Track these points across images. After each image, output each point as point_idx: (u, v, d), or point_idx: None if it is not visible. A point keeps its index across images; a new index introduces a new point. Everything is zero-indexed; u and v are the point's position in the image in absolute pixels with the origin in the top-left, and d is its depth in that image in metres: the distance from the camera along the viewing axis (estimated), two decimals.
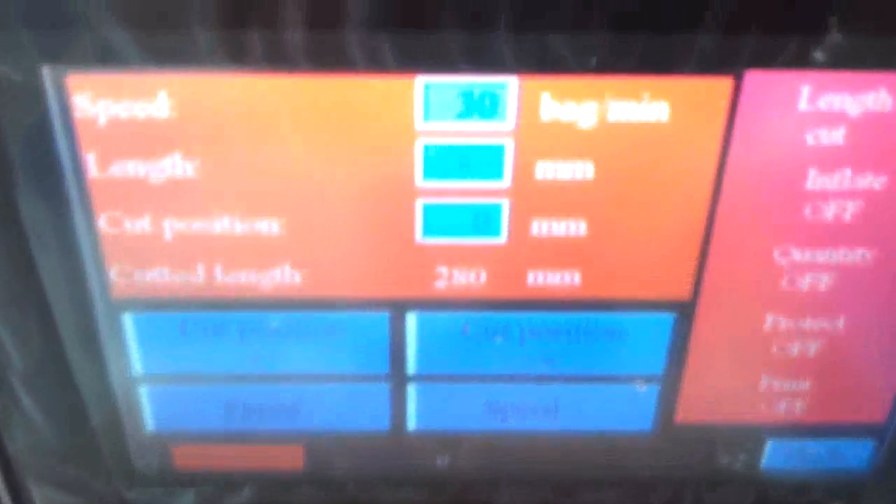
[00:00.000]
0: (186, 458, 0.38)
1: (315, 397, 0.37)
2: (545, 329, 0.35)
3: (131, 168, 0.31)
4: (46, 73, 0.29)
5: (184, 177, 0.31)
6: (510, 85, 0.29)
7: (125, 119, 0.30)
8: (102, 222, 0.32)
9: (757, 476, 0.39)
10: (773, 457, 0.39)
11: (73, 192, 0.31)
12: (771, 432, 0.38)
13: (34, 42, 0.28)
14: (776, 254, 0.33)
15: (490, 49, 0.28)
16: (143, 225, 0.32)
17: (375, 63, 0.28)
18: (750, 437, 0.38)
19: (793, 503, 0.39)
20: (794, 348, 0.35)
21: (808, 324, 0.35)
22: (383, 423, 0.37)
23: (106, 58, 0.28)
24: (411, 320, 0.34)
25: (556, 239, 0.32)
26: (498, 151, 0.30)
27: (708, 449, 0.38)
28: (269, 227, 0.32)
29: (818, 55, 0.28)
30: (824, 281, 0.33)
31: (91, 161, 0.31)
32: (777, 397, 0.37)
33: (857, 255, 0.33)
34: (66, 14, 0.27)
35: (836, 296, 0.34)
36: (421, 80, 0.29)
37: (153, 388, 0.36)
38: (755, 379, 0.36)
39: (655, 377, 0.36)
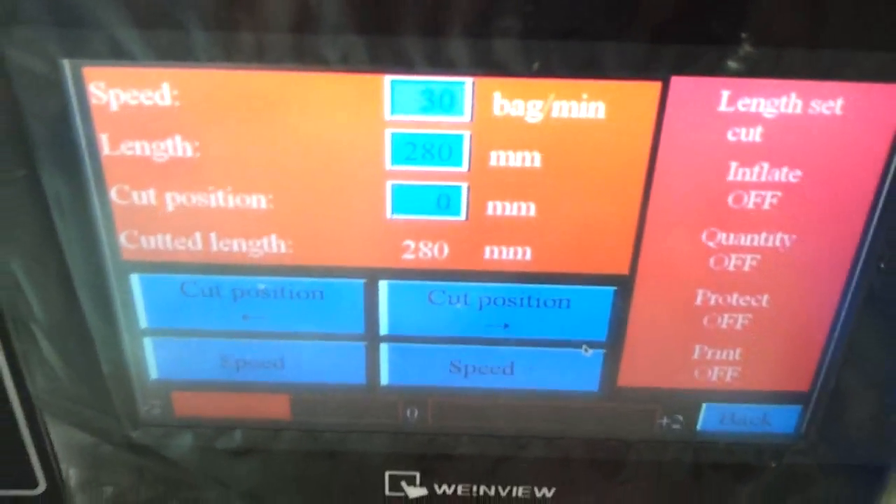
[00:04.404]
0: (185, 404, 0.43)
1: (299, 353, 0.41)
2: (501, 298, 0.39)
3: (139, 147, 0.36)
4: (66, 65, 0.33)
5: (184, 156, 0.36)
6: (466, 84, 0.34)
7: (133, 105, 0.35)
8: (113, 194, 0.37)
9: (693, 437, 0.43)
10: (708, 420, 0.43)
11: (88, 168, 0.36)
12: (706, 397, 0.42)
13: (56, 39, 0.33)
14: (704, 236, 0.37)
15: (448, 53, 0.32)
16: (148, 197, 0.37)
17: (349, 63, 0.33)
18: (687, 401, 0.42)
19: (726, 462, 0.44)
20: (724, 321, 0.40)
21: (736, 300, 0.39)
22: (360, 377, 0.42)
23: (117, 53, 0.33)
24: (383, 287, 0.39)
25: (509, 218, 0.37)
26: (457, 141, 0.35)
27: (649, 410, 0.43)
28: (258, 201, 0.37)
29: (733, 64, 0.32)
30: (748, 262, 0.38)
31: (104, 141, 0.35)
32: (710, 365, 0.41)
33: (777, 240, 0.37)
34: (83, 14, 0.32)
35: (759, 275, 0.38)
36: (388, 79, 0.33)
37: (156, 340, 0.41)
38: (689, 348, 0.40)
39: (599, 343, 0.40)
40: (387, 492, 0.45)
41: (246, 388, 0.42)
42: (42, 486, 0.47)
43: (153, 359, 0.42)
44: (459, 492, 0.45)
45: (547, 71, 0.33)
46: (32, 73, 0.33)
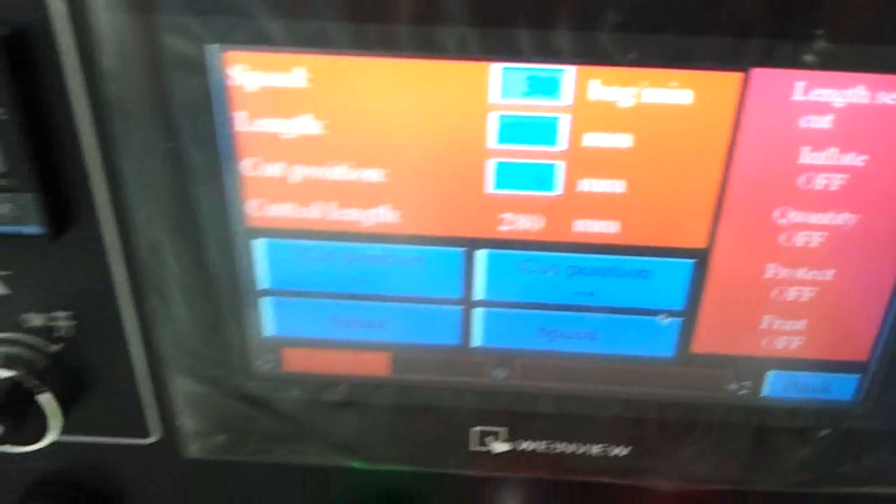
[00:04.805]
0: (294, 359, 0.48)
1: (401, 315, 0.46)
2: (588, 268, 0.43)
3: (270, 125, 0.40)
4: (211, 50, 0.38)
5: (310, 133, 0.40)
6: (568, 72, 0.38)
7: (268, 87, 0.39)
8: (245, 165, 0.41)
9: (758, 402, 0.47)
10: (773, 386, 0.47)
11: (224, 142, 0.41)
12: (771, 364, 0.46)
13: (201, 26, 0.38)
14: (776, 214, 0.41)
15: (554, 44, 0.37)
16: (275, 169, 0.42)
17: (464, 51, 0.37)
18: (754, 368, 0.46)
19: (787, 426, 0.47)
20: (791, 294, 0.44)
21: (802, 274, 0.43)
22: (455, 338, 0.46)
23: (258, 39, 0.38)
24: (480, 256, 0.43)
25: (599, 194, 0.41)
26: (555, 123, 0.39)
27: (719, 376, 0.47)
28: (374, 175, 0.41)
29: (808, 58, 0.36)
30: (815, 239, 0.42)
31: (240, 118, 0.40)
32: (777, 334, 0.45)
33: (842, 219, 0.41)
34: (230, 3, 0.37)
35: (825, 251, 0.42)
36: (497, 66, 0.38)
37: (273, 300, 0.46)
38: (758, 318, 0.44)
39: (676, 312, 0.44)
40: (472, 447, 0.49)
41: (350, 346, 0.47)
42: (156, 436, 0.52)
43: (268, 317, 0.46)
44: (540, 449, 0.49)
45: (641, 61, 0.37)
46: (180, 56, 0.38)
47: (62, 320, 0.48)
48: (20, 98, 0.39)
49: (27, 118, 0.40)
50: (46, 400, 0.48)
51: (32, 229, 0.43)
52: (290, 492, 0.57)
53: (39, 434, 0.50)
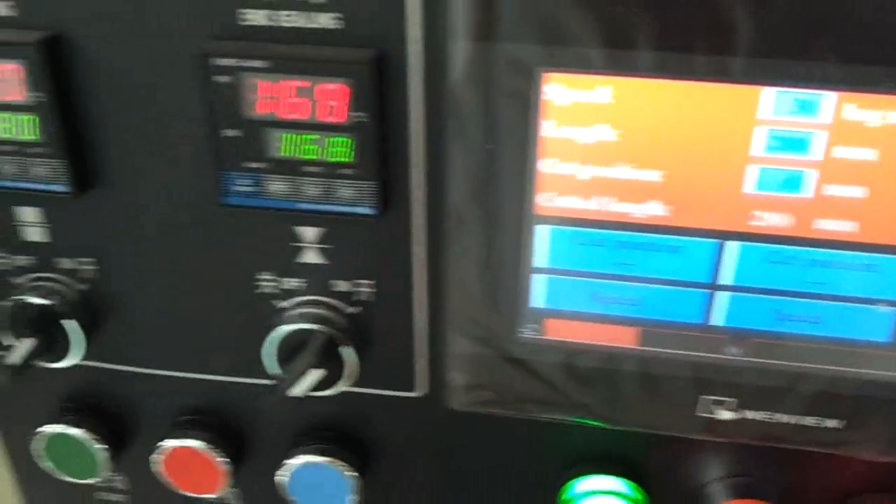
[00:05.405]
0: (554, 328, 0.57)
1: (654, 294, 0.55)
2: (824, 261, 0.52)
3: (572, 132, 0.50)
4: (534, 71, 0.48)
5: (605, 140, 0.50)
6: (828, 97, 0.46)
7: (576, 101, 0.49)
8: (544, 164, 0.51)
9: None
10: None
11: (531, 144, 0.51)
12: None
13: (531, 52, 0.48)
14: None
15: (821, 73, 0.45)
16: (569, 168, 0.51)
17: (747, 77, 0.46)
18: None
19: None
20: None
21: None
22: (698, 317, 0.55)
23: (573, 63, 0.48)
24: (732, 247, 0.52)
25: (843, 198, 0.49)
26: (811, 137, 0.48)
27: None
28: (652, 175, 0.50)
29: None
30: None
31: (547, 126, 0.50)
32: None
33: None
34: (553, 35, 0.47)
35: None
36: (770, 90, 0.47)
37: (545, 277, 0.56)
38: None
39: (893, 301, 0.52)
40: (700, 413, 0.58)
41: (604, 320, 0.56)
42: (420, 391, 0.63)
43: (538, 291, 0.56)
44: (759, 418, 0.57)
45: (891, 88, 0.45)
46: (510, 76, 0.48)
47: (364, 287, 0.59)
48: (379, 105, 0.50)
49: (381, 121, 0.50)
50: (347, 353, 0.59)
51: (365, 210, 0.53)
52: (519, 447, 0.66)
53: (333, 383, 0.60)
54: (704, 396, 0.57)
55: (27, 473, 0.75)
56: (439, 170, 0.52)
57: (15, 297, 0.60)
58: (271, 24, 0.49)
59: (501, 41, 0.46)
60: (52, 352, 0.62)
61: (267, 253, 0.58)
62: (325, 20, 0.49)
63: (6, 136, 0.55)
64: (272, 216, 0.56)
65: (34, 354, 0.60)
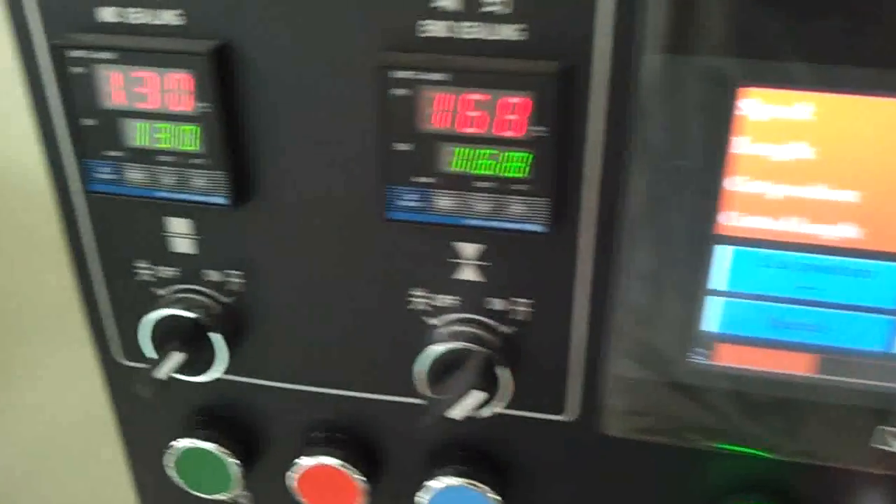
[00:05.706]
0: (725, 353, 0.55)
1: (836, 320, 0.52)
2: None
3: (766, 149, 0.48)
4: (732, 86, 0.46)
5: (802, 158, 0.47)
6: None
7: (771, 117, 0.47)
8: (733, 181, 0.49)
9: None
10: None
11: (719, 160, 0.48)
12: None
13: (728, 66, 0.45)
14: None
15: None
16: (760, 186, 0.49)
17: None
18: None
19: None
20: None
21: None
22: (881, 344, 0.52)
23: (773, 78, 0.45)
24: None
25: None
26: None
27: None
28: (849, 196, 0.48)
29: None
30: None
31: (740, 142, 0.48)
32: None
33: None
34: (753, 49, 0.45)
35: None
36: None
37: (719, 300, 0.53)
38: None
39: None
40: (874, 444, 0.55)
41: (781, 346, 0.53)
42: (573, 414, 0.60)
43: (712, 314, 0.53)
44: None
45: None
46: (703, 90, 0.46)
47: (521, 306, 0.57)
48: (560, 120, 0.48)
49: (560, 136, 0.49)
50: (503, 374, 0.57)
51: (535, 227, 0.52)
52: (666, 475, 0.64)
53: (486, 404, 0.59)
54: (883, 427, 0.54)
55: (150, 487, 0.74)
56: (611, 186, 0.50)
57: (164, 310, 0.59)
58: (451, 35, 0.48)
59: (699, 54, 0.44)
60: (196, 365, 0.60)
61: (422, 269, 0.57)
62: (509, 31, 0.47)
63: (166, 146, 0.54)
64: (432, 232, 0.54)
65: (181, 368, 0.59)
